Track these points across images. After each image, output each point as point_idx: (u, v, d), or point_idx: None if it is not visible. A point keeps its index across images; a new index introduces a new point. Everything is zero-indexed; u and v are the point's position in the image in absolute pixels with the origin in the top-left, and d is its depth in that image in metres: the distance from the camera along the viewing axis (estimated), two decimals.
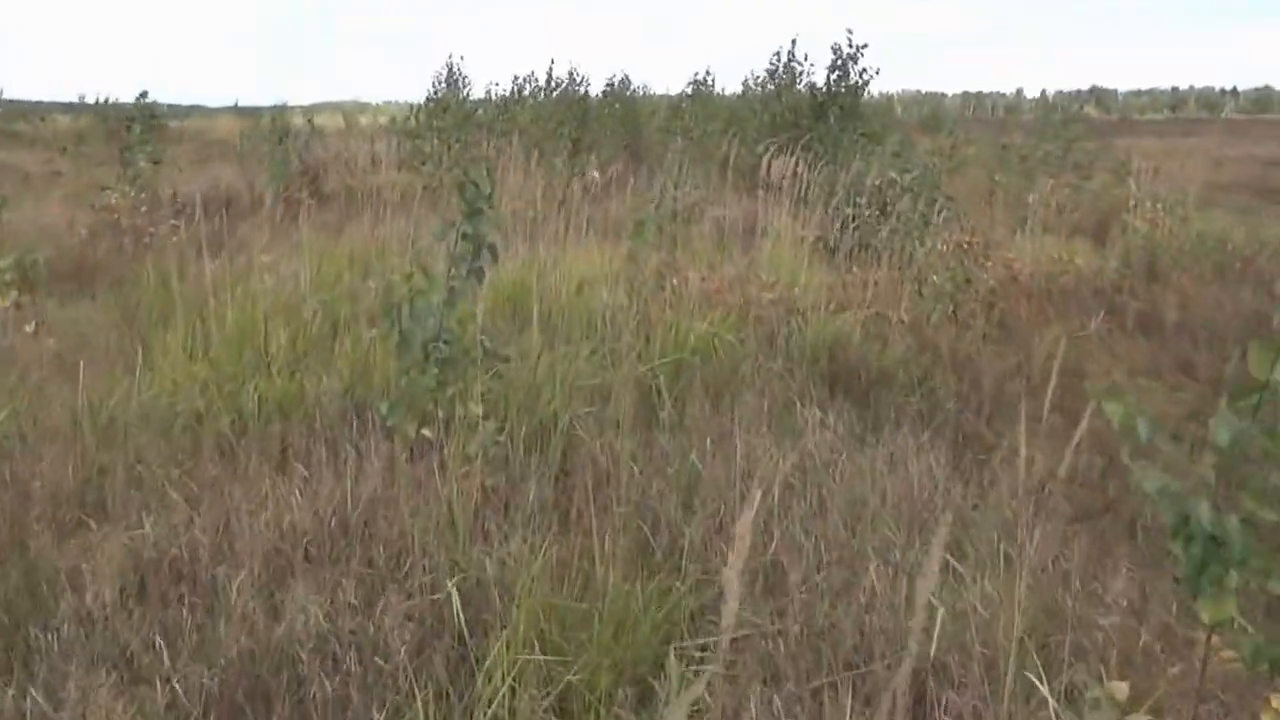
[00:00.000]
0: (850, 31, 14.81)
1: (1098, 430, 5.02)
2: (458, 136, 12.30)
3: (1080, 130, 14.11)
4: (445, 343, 3.72)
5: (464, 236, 3.63)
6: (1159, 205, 9.15)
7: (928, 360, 5.66)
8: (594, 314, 5.75)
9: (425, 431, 3.76)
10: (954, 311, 7.01)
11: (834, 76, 15.12)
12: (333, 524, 3.29)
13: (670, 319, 5.62)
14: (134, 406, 4.34)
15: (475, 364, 3.82)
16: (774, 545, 3.24)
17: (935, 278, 7.47)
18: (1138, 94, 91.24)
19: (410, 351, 3.66)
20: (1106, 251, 9.78)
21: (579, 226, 9.47)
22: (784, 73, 16.01)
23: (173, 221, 8.98)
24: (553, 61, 25.80)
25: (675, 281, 6.84)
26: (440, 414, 3.79)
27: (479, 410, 3.70)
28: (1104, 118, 54.74)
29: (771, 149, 9.39)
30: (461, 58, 24.28)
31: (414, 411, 3.76)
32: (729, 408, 4.59)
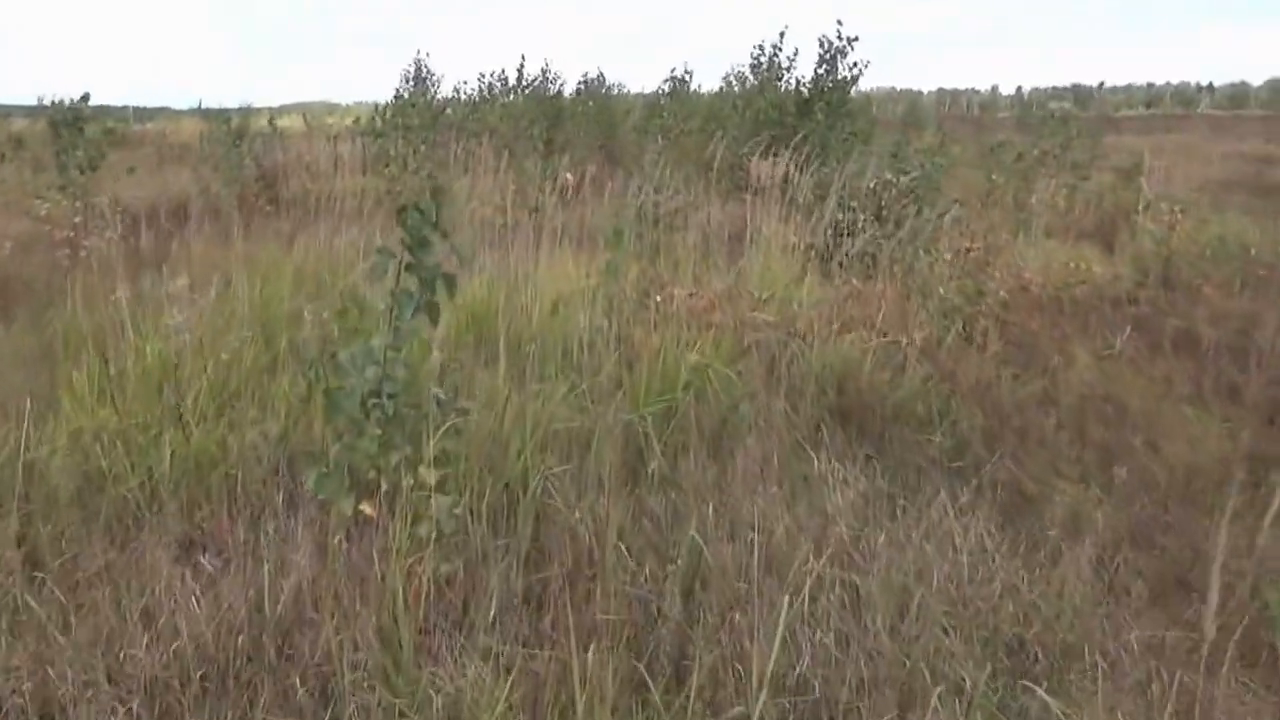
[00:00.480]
0: (840, 23, 14.17)
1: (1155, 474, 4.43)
2: (423, 137, 11.56)
3: (1078, 127, 13.50)
4: (389, 396, 3.02)
5: (408, 268, 2.93)
6: (1175, 207, 8.53)
7: (946, 390, 5.00)
8: (570, 340, 5.06)
9: (365, 507, 3.06)
10: (964, 328, 6.37)
11: (821, 71, 14.48)
12: (240, 641, 2.58)
13: (657, 344, 4.93)
14: (19, 467, 3.60)
15: (427, 420, 3.12)
16: (804, 659, 2.56)
17: (942, 290, 6.84)
18: (1114, 91, 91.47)
19: (343, 411, 2.95)
20: (1116, 257, 9.19)
21: (553, 233, 8.80)
22: (768, 67, 15.31)
23: (109, 234, 8.21)
24: (524, 58, 24.91)
25: (659, 299, 6.17)
26: (384, 484, 3.09)
27: (431, 479, 3.01)
28: (1082, 114, 54.49)
29: (759, 149, 8.69)
30: (429, 54, 23.53)
31: (351, 482, 3.06)
32: (729, 457, 3.92)
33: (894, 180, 9.13)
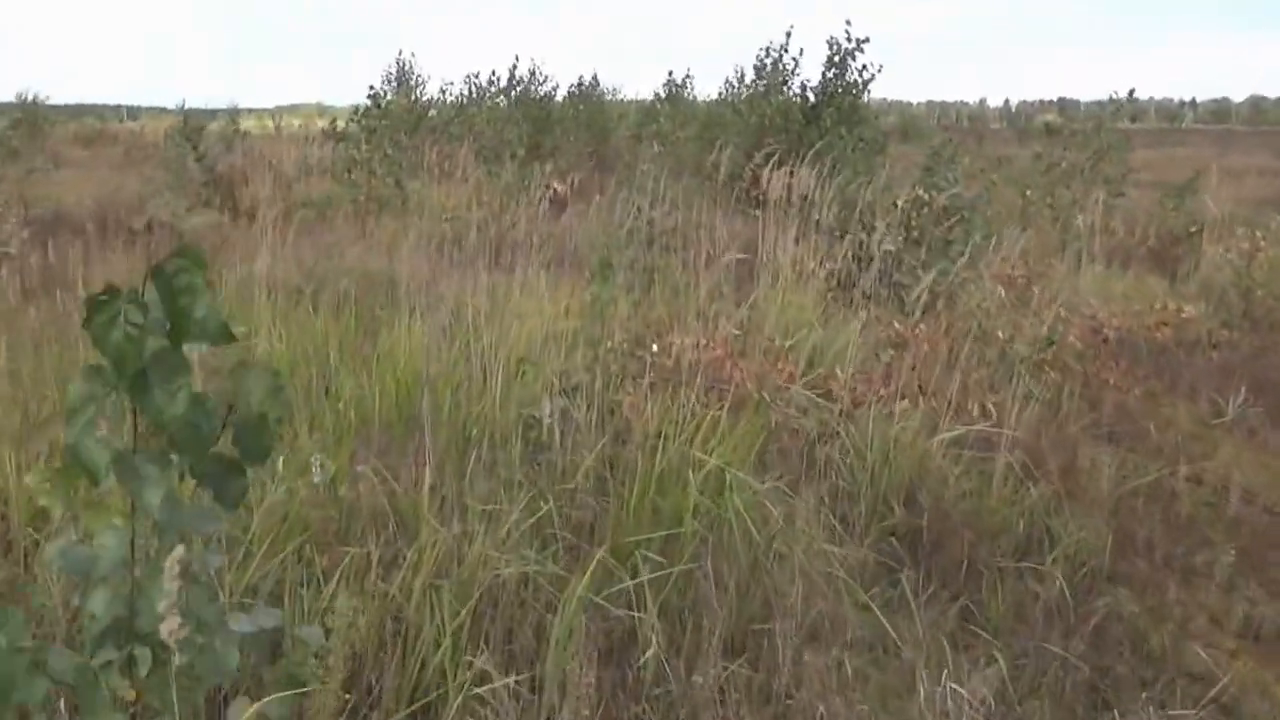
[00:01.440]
0: (849, 24, 12.94)
1: None
2: (393, 140, 10.28)
3: (1114, 139, 12.28)
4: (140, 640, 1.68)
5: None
6: (1257, 232, 7.29)
7: (1049, 494, 3.70)
8: (533, 414, 3.78)
9: None
10: (1029, 384, 5.11)
11: (830, 74, 13.24)
12: None
13: (655, 426, 3.65)
14: None
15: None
16: None
17: (1002, 334, 5.59)
18: (1100, 105, 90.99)
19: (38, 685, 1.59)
20: (1181, 288, 7.96)
21: (532, 251, 7.53)
22: (773, 70, 14.06)
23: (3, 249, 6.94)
24: (516, 59, 23.58)
25: (656, 347, 4.90)
26: None
27: None
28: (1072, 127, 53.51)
29: (773, 159, 7.43)
30: (414, 54, 22.33)
31: None
32: (769, 649, 2.60)
33: (928, 197, 7.89)
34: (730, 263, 7.63)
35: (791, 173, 7.40)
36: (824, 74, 13.23)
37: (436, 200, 11.02)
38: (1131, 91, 12.68)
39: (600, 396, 4.28)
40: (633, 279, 7.14)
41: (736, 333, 5.22)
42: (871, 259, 7.50)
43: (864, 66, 13.02)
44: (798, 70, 13.98)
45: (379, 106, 10.05)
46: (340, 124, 12.85)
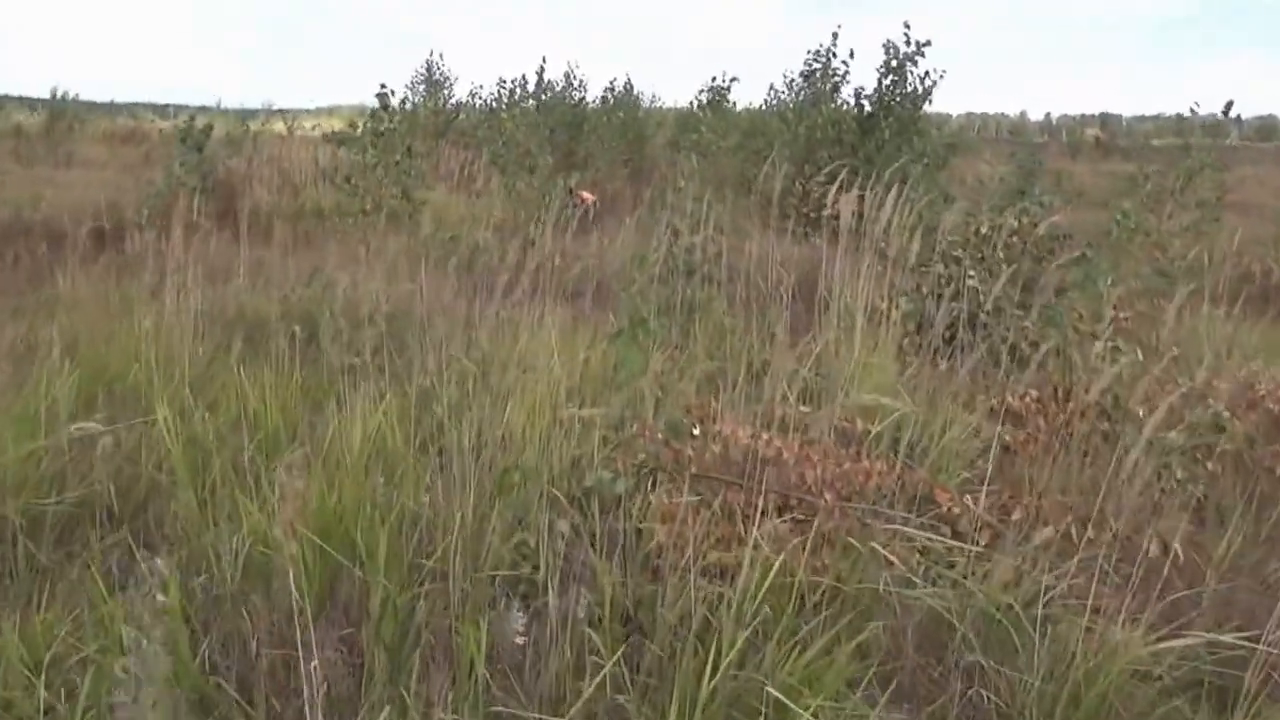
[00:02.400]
0: (908, 26, 11.65)
1: None
2: (405, 144, 9.11)
3: (1207, 158, 10.92)
4: None
5: None
6: None
7: None
8: (529, 561, 2.60)
9: None
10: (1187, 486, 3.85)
11: (887, 82, 11.99)
12: None
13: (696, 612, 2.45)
14: None
15: None
16: None
17: (1141, 411, 4.33)
18: (1141, 120, 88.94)
19: None
20: None
21: (550, 279, 6.33)
22: (822, 76, 12.79)
23: None
24: (544, 60, 22.31)
25: (696, 431, 3.70)
26: None
27: None
28: (1116, 143, 51.77)
29: (838, 178, 6.20)
30: (442, 55, 21.33)
31: None
32: None
33: (1019, 224, 6.65)
34: (784, 296, 6.44)
35: (862, 196, 6.15)
36: (880, 80, 11.98)
37: (453, 212, 9.88)
38: (1229, 106, 11.29)
39: (622, 511, 3.11)
40: (669, 317, 5.97)
41: (805, 409, 4.00)
42: (954, 297, 6.30)
43: (926, 73, 11.78)
44: (848, 76, 12.71)
45: (385, 108, 8.88)
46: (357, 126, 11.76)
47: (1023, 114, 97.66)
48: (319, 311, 4.85)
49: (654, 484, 3.50)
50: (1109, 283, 5.32)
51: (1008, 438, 4.30)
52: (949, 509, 3.45)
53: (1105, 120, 77.15)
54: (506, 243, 7.50)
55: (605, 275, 7.24)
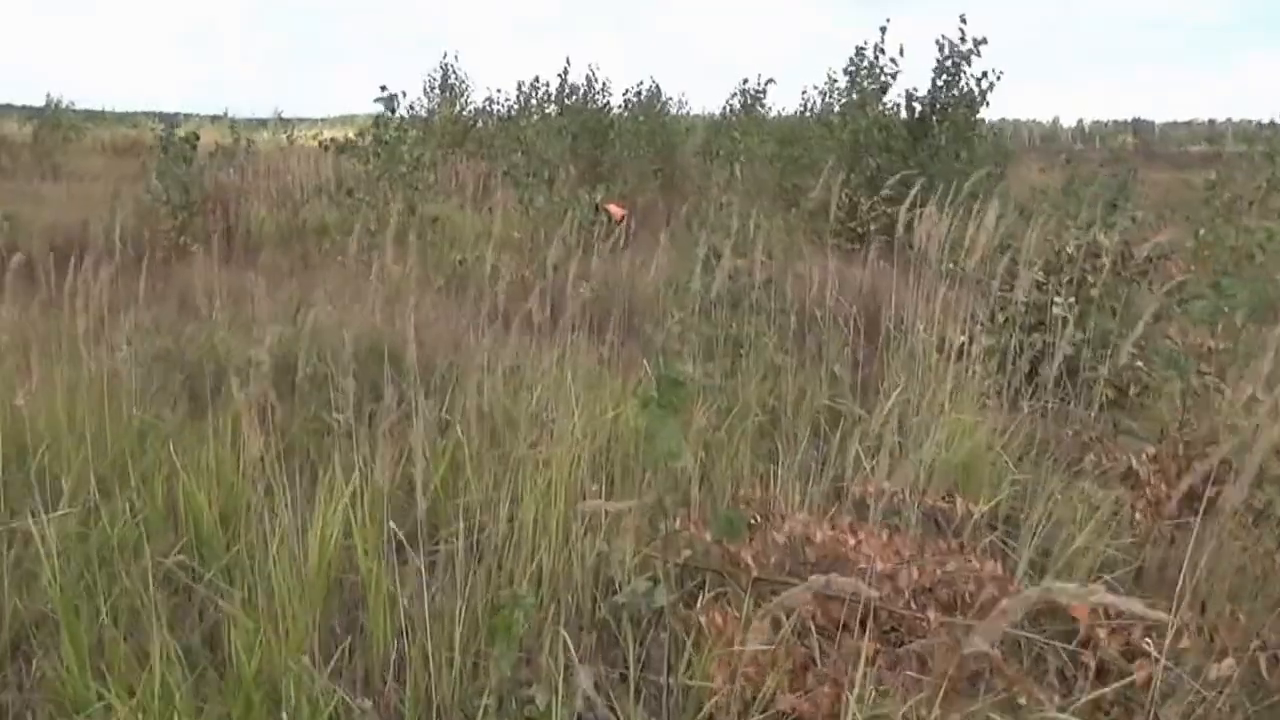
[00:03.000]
0: (963, 21, 10.75)
1: None
2: (415, 155, 8.34)
3: None
4: None
5: None
6: None
7: None
8: None
9: None
10: None
11: (940, 82, 11.11)
12: None
13: None
14: None
15: None
16: None
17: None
18: (1174, 126, 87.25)
19: None
20: None
21: (575, 305, 5.51)
22: (868, 76, 11.86)
23: None
24: (568, 62, 21.32)
25: (754, 529, 2.87)
26: None
27: None
28: (1153, 150, 50.38)
29: (913, 190, 5.33)
30: (457, 57, 20.51)
31: None
32: None
33: (1107, 243, 5.78)
34: (842, 330, 5.62)
35: (923, 209, 5.30)
36: (934, 81, 11.10)
37: (467, 230, 9.11)
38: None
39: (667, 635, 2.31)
40: (712, 347, 5.16)
41: (886, 486, 3.17)
42: (1035, 328, 5.47)
43: (984, 74, 10.89)
44: (898, 76, 11.77)
45: (393, 112, 8.11)
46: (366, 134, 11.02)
47: (1055, 120, 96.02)
48: (297, 354, 4.08)
49: (703, 586, 2.72)
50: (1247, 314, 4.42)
51: (1138, 515, 3.44)
52: (1089, 630, 2.61)
53: (1138, 127, 75.40)
54: (524, 265, 6.74)
55: (638, 301, 6.42)
